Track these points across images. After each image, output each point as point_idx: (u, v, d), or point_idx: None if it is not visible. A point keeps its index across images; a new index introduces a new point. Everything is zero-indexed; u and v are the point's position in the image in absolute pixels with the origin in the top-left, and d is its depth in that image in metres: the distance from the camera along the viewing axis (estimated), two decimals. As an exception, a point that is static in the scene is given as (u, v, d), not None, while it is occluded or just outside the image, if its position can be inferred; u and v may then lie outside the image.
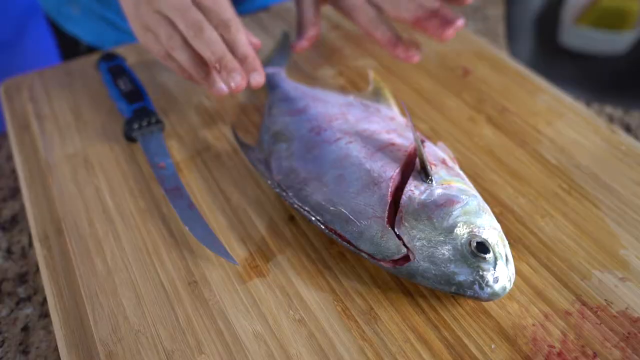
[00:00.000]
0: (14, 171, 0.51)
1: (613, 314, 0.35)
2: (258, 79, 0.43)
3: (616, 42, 0.79)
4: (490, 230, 0.35)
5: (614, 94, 0.75)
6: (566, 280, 0.37)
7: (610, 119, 0.54)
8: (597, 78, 0.78)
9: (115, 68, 0.54)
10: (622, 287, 0.37)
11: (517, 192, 0.43)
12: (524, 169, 0.45)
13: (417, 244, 0.35)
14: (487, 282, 0.34)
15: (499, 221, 0.38)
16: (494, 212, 0.39)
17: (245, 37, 0.44)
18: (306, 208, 0.39)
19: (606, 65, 0.79)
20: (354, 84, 0.55)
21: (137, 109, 0.49)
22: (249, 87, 0.44)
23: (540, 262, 0.38)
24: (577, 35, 0.80)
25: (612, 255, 0.39)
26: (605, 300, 0.36)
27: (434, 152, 0.41)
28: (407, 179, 0.38)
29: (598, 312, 0.35)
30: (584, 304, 0.36)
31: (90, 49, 0.71)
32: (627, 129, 0.52)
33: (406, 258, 0.36)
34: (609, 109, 0.55)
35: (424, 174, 0.38)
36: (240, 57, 0.43)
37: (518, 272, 0.38)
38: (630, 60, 0.79)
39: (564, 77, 0.73)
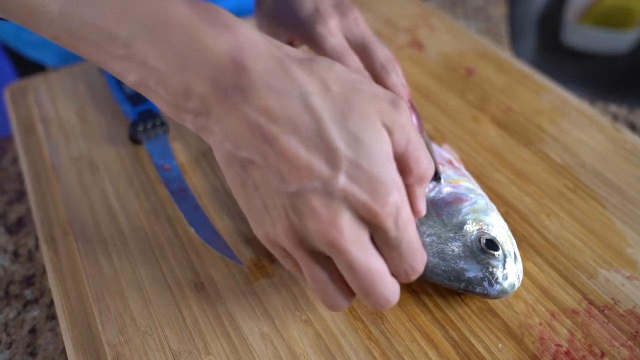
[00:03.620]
0: (20, 174, 0.52)
1: (620, 312, 0.35)
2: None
3: (619, 41, 0.79)
4: (499, 228, 0.36)
5: (618, 92, 0.75)
6: (572, 279, 0.37)
7: (615, 117, 0.54)
8: (601, 77, 0.78)
9: (119, 71, 0.54)
10: (629, 286, 0.37)
11: (522, 191, 0.43)
12: (528, 168, 0.45)
13: (427, 239, 0.35)
14: (497, 278, 0.34)
15: (505, 220, 0.38)
16: (499, 212, 0.39)
17: (380, 287, 0.28)
18: None
19: (610, 64, 0.79)
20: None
21: (141, 112, 0.49)
22: None
23: (546, 261, 0.38)
24: (580, 34, 0.80)
25: (618, 254, 0.39)
26: (612, 298, 0.36)
27: (440, 153, 0.41)
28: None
29: (605, 311, 0.35)
30: (590, 302, 0.36)
31: None
32: (632, 127, 0.52)
33: (414, 255, 0.36)
34: (613, 108, 0.55)
35: (433, 173, 0.38)
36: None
37: (524, 271, 0.38)
38: (634, 59, 0.79)
39: (568, 76, 0.73)
